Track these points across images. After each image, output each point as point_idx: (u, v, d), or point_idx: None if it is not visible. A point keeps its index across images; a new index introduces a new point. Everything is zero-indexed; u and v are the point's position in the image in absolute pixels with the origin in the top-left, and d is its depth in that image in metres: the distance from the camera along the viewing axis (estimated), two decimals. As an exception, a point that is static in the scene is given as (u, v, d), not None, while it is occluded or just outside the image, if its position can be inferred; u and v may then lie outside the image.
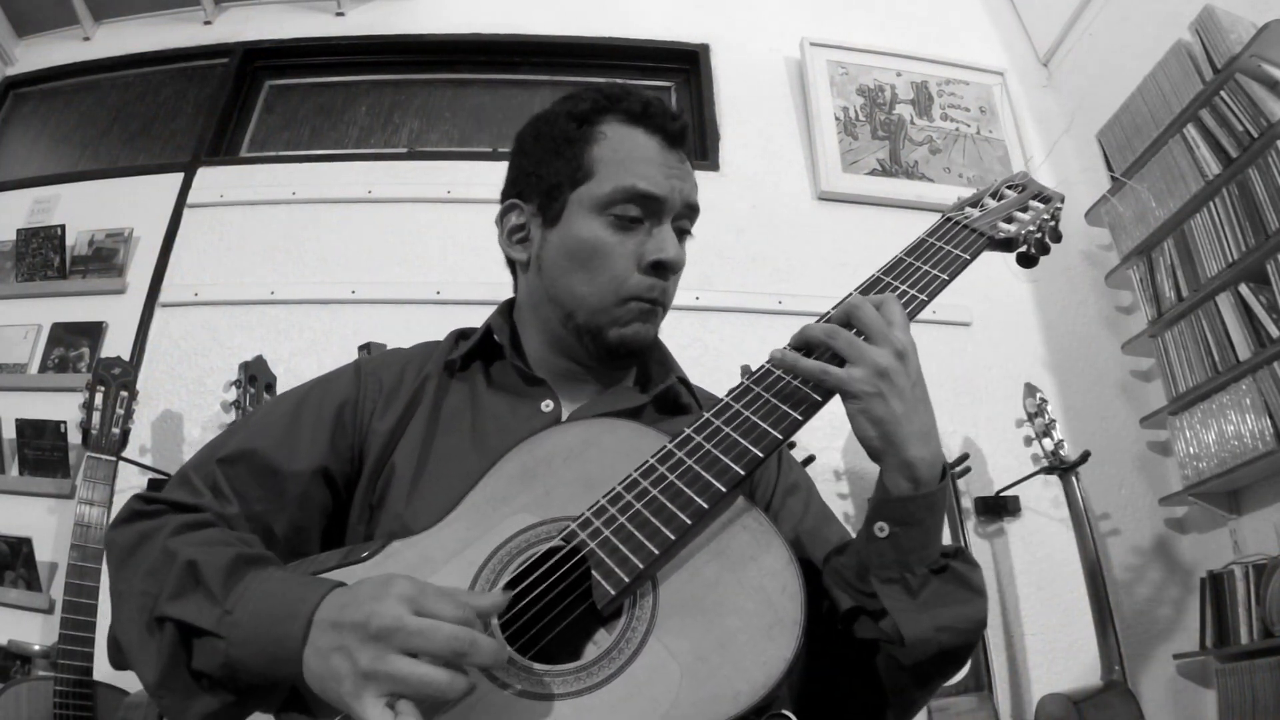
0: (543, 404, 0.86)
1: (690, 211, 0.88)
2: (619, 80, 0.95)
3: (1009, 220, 0.87)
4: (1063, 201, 0.91)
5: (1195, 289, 2.07)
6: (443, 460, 0.82)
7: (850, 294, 0.75)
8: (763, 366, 0.74)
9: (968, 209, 0.88)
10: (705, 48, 2.75)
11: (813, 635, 0.61)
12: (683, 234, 0.89)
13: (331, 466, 0.81)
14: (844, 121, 2.61)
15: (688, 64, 2.78)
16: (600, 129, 0.86)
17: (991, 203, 0.90)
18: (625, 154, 0.85)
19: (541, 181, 0.88)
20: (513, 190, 0.92)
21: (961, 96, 2.73)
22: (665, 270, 0.85)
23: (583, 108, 0.88)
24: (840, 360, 0.69)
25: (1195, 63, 2.11)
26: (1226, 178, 2.00)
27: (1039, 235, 0.87)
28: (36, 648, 1.86)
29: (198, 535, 0.70)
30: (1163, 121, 2.19)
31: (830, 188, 2.49)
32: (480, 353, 0.91)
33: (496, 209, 0.93)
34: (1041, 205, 0.90)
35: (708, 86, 2.68)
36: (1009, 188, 0.92)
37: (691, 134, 2.66)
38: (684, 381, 0.93)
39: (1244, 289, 1.94)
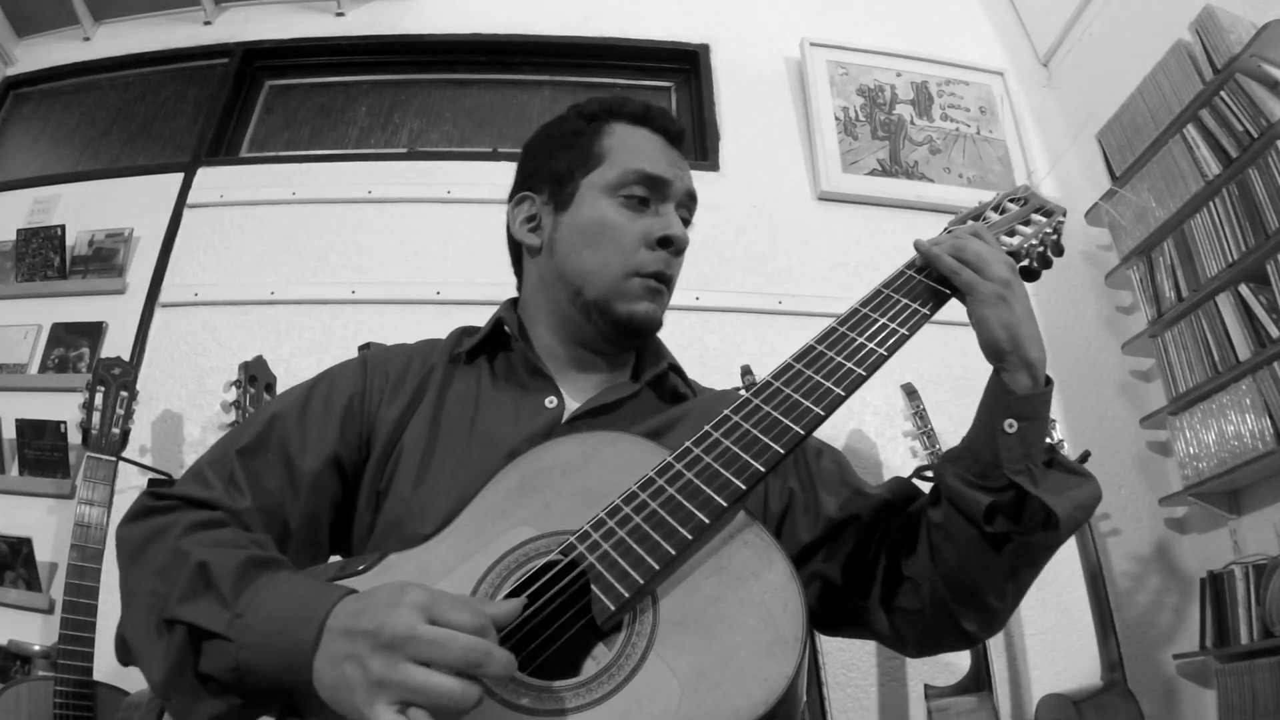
0: (546, 400, 0.87)
1: (691, 201, 0.95)
2: (620, 89, 1.01)
3: (1011, 234, 0.87)
4: (1065, 215, 0.91)
5: (1195, 289, 2.06)
6: (448, 450, 0.84)
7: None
8: (764, 379, 0.74)
9: (969, 222, 0.89)
10: (705, 48, 2.75)
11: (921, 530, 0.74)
12: (685, 223, 0.95)
13: (343, 454, 0.84)
14: (844, 121, 2.61)
15: (688, 64, 2.77)
16: (608, 125, 0.94)
17: (994, 216, 0.91)
18: (633, 145, 0.92)
19: (553, 172, 0.94)
20: (523, 185, 0.98)
21: (961, 97, 2.73)
22: (672, 245, 0.90)
23: (591, 109, 0.96)
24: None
25: (1195, 63, 2.11)
26: (1226, 178, 2.00)
27: (1041, 249, 0.88)
28: (36, 648, 1.85)
29: (210, 535, 0.70)
30: (1163, 122, 2.19)
31: (830, 188, 2.49)
32: (486, 347, 0.94)
33: (496, 209, 0.97)
34: (1044, 219, 0.90)
35: (708, 86, 2.67)
36: (1011, 201, 0.93)
37: (690, 137, 2.67)
38: (676, 369, 0.97)
39: (1244, 289, 1.94)
